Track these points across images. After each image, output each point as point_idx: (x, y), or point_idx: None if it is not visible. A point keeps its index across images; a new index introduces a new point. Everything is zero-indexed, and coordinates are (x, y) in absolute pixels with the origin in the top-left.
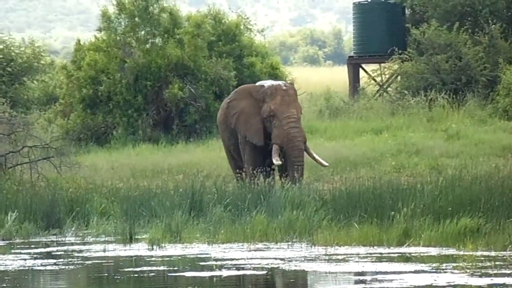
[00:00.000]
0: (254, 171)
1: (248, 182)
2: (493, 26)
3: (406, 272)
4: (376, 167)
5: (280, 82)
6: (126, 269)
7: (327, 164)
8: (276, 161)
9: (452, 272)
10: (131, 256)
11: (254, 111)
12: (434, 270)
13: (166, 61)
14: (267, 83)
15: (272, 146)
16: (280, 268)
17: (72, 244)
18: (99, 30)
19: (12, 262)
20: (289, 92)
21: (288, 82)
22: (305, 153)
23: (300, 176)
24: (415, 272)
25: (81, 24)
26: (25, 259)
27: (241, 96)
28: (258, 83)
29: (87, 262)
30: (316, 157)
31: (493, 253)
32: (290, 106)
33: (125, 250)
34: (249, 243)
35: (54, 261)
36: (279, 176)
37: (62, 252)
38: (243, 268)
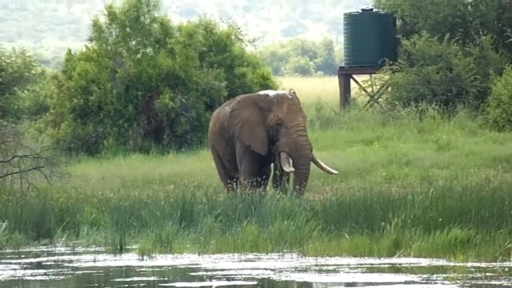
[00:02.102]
0: (249, 181)
1: (241, 192)
2: (484, 37)
3: (396, 283)
4: (367, 177)
5: (284, 92)
6: (116, 280)
7: (336, 172)
8: (287, 168)
9: (442, 283)
10: (122, 267)
11: (258, 120)
12: (424, 281)
13: (157, 71)
14: (272, 92)
15: (280, 155)
16: (271, 278)
17: (62, 254)
18: (90, 40)
19: (2, 272)
20: (294, 101)
21: (292, 91)
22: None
23: (304, 184)
24: (406, 283)
25: (72, 34)
26: (15, 269)
27: (244, 106)
28: (261, 93)
29: (77, 272)
30: (324, 165)
31: (483, 264)
32: (297, 115)
33: (115, 260)
34: (239, 254)
35: (44, 271)
36: (273, 185)
37: (52, 262)
38: (233, 279)
